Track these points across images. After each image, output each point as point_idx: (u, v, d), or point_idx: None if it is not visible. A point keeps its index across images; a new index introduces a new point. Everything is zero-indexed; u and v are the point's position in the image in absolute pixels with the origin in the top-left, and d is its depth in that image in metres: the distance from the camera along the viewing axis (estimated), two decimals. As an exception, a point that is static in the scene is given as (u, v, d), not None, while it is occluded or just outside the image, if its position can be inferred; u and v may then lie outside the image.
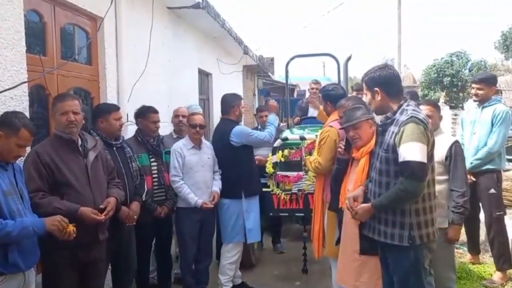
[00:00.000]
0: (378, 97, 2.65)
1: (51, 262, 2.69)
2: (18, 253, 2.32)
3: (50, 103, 3.29)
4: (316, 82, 6.73)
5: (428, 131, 2.51)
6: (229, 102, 4.27)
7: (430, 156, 2.55)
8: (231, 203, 4.14)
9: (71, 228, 2.46)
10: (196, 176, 3.98)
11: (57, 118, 2.80)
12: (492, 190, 4.29)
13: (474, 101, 4.56)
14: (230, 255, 4.21)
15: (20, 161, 2.61)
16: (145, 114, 3.96)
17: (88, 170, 2.85)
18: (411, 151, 2.43)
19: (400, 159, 2.47)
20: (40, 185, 2.65)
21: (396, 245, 2.56)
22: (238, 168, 4.13)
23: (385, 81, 2.64)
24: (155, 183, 3.91)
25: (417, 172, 2.43)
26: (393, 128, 2.57)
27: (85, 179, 2.82)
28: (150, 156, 3.92)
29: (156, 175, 3.92)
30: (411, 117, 2.49)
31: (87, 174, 2.83)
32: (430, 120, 3.32)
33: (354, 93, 6.32)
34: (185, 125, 4.37)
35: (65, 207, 2.64)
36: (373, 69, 2.72)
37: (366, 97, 2.82)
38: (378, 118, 2.85)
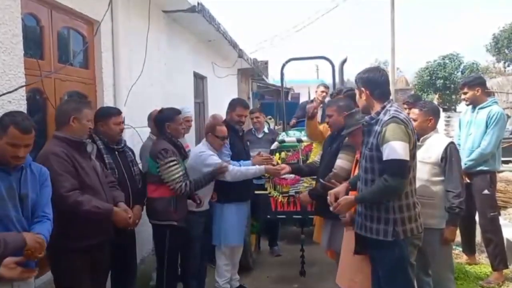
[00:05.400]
0: (364, 97, 2.79)
1: (68, 266, 2.65)
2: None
3: (49, 107, 3.36)
4: (326, 86, 6.67)
5: (409, 130, 2.62)
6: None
7: (412, 155, 2.65)
8: (240, 206, 4.17)
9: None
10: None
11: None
12: (486, 191, 4.31)
13: (466, 105, 4.65)
14: (226, 256, 4.22)
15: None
16: (174, 118, 3.75)
17: (98, 172, 2.87)
18: (394, 149, 2.53)
19: (384, 158, 2.58)
20: (75, 182, 2.66)
21: (381, 241, 2.66)
22: None
23: (372, 83, 2.76)
24: None
25: (401, 170, 2.55)
26: (376, 128, 2.68)
27: (97, 181, 2.85)
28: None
29: None
30: (393, 117, 2.61)
31: (97, 176, 2.86)
32: (415, 123, 3.43)
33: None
34: None
35: (102, 206, 2.71)
36: (365, 70, 2.86)
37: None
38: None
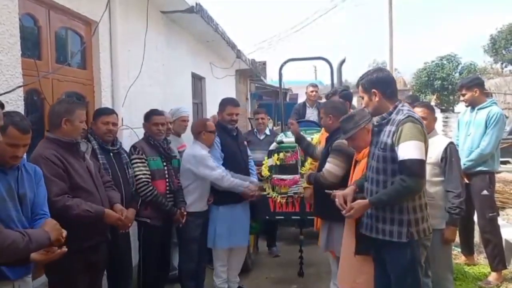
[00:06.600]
0: (376, 98, 2.71)
1: (64, 268, 2.61)
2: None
3: (46, 107, 3.32)
4: (315, 85, 6.88)
5: (424, 129, 2.61)
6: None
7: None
8: (236, 208, 4.15)
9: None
10: (208, 182, 4.05)
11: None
12: (485, 192, 4.30)
13: (466, 106, 4.63)
14: (222, 257, 4.21)
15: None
16: (149, 117, 3.90)
17: (91, 172, 2.85)
18: (411, 149, 2.50)
19: (400, 158, 2.53)
20: (64, 186, 2.63)
21: (394, 243, 2.61)
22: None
23: (382, 82, 2.71)
24: (167, 188, 3.85)
25: (418, 170, 2.51)
26: (389, 128, 2.63)
27: (91, 181, 2.83)
28: (163, 160, 3.86)
29: (167, 179, 3.86)
30: (408, 116, 2.57)
31: (91, 176, 2.84)
32: (424, 122, 3.39)
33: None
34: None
35: (92, 209, 2.68)
36: (369, 72, 2.79)
37: (362, 100, 2.85)
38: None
